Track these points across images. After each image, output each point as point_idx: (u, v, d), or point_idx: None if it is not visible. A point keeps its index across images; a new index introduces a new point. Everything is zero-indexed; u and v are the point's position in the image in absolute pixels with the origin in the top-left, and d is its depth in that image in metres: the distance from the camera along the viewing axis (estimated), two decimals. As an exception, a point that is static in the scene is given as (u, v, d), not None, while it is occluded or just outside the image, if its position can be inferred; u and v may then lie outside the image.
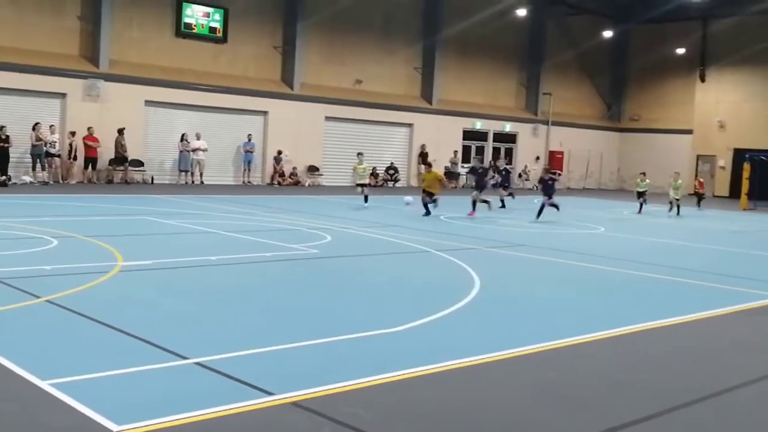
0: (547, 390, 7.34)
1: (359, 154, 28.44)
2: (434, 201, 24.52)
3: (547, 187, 25.69)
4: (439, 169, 27.05)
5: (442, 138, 43.16)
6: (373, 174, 28.01)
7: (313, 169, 38.27)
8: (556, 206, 25.31)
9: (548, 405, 6.95)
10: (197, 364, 7.32)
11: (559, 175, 26.53)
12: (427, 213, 24.20)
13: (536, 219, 24.61)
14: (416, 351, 8.29)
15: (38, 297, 9.67)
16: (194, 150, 33.66)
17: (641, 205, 30.96)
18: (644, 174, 32.31)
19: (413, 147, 42.37)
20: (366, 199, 26.32)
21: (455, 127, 44.64)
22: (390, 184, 40.41)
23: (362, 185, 26.72)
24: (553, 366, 8.15)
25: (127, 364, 7.14)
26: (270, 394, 6.58)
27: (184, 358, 7.47)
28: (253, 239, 16.74)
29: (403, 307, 10.65)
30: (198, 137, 33.58)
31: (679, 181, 31.04)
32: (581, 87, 52.26)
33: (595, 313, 11.27)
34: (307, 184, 37.41)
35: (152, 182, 32.76)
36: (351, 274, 13.69)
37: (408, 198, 25.64)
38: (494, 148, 47.14)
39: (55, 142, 29.93)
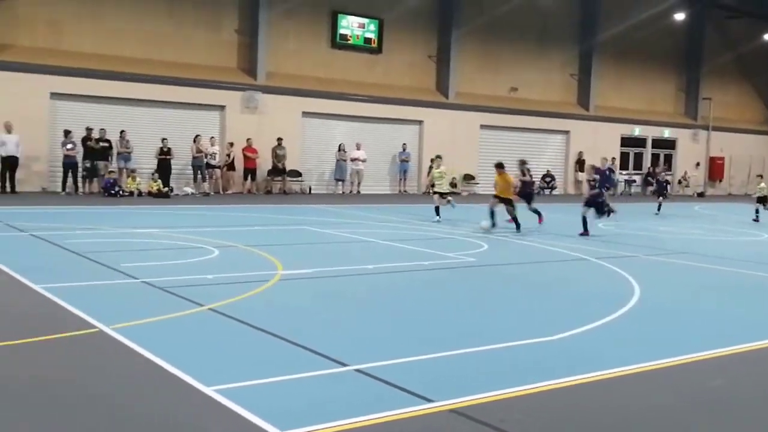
0: (712, 399, 6.82)
1: (437, 157, 22.73)
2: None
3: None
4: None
5: (600, 145, 39.44)
6: (452, 183, 22.01)
7: (468, 178, 35.69)
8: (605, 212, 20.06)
9: (712, 414, 6.47)
10: (357, 370, 6.99)
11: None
12: (493, 224, 19.20)
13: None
14: (574, 359, 7.74)
15: (201, 305, 9.35)
16: (353, 160, 31.69)
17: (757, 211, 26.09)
18: (761, 176, 28.08)
19: (570, 154, 39.11)
20: (437, 211, 21.12)
21: (613, 133, 40.98)
22: (546, 192, 37.33)
23: (440, 194, 21.41)
24: (718, 375, 7.53)
25: (288, 371, 6.86)
26: (429, 401, 6.25)
27: (344, 365, 7.14)
28: (410, 248, 15.87)
29: (560, 316, 9.89)
30: (358, 147, 31.58)
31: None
32: (741, 91, 47.57)
33: (760, 321, 10.17)
34: (462, 193, 34.87)
35: (310, 192, 30.95)
36: (507, 282, 12.80)
37: (484, 223, 19.15)
38: (653, 155, 43.43)
39: (215, 153, 28.55)
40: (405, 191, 33.50)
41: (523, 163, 22.01)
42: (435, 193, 21.53)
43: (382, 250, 15.56)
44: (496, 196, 19.67)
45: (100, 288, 10.37)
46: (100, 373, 6.71)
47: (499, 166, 20.12)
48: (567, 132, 39.32)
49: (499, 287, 12.28)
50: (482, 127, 36.14)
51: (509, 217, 19.53)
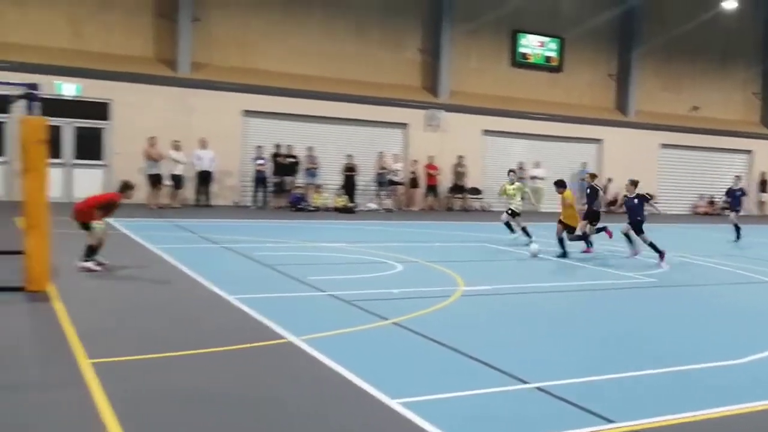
0: None
1: (511, 171, 20.07)
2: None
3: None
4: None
5: (785, 165, 36.12)
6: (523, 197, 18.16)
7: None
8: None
9: None
10: (538, 388, 6.59)
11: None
12: (564, 254, 15.65)
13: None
14: (761, 383, 7.08)
15: (386, 319, 9.02)
16: (532, 177, 29.81)
17: None
18: None
19: (753, 174, 35.64)
20: (510, 227, 18.52)
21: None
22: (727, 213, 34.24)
23: (513, 213, 18.44)
24: None
25: (470, 386, 6.56)
26: (610, 421, 5.79)
27: (525, 382, 6.75)
28: (587, 266, 14.96)
29: (747, 339, 9.00)
30: (537, 165, 29.67)
31: None
32: None
33: None
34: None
35: (490, 209, 29.30)
36: (691, 303, 11.79)
37: (534, 247, 15.97)
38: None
39: (399, 170, 27.34)
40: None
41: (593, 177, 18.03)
42: (511, 212, 18.32)
43: (560, 268, 14.60)
44: (560, 222, 16.05)
45: (288, 300, 10.19)
46: (291, 383, 6.56)
47: (560, 185, 16.32)
48: (749, 152, 35.94)
49: (681, 308, 11.24)
50: (662, 146, 33.42)
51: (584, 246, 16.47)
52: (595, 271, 14.26)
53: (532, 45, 30.92)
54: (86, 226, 11.58)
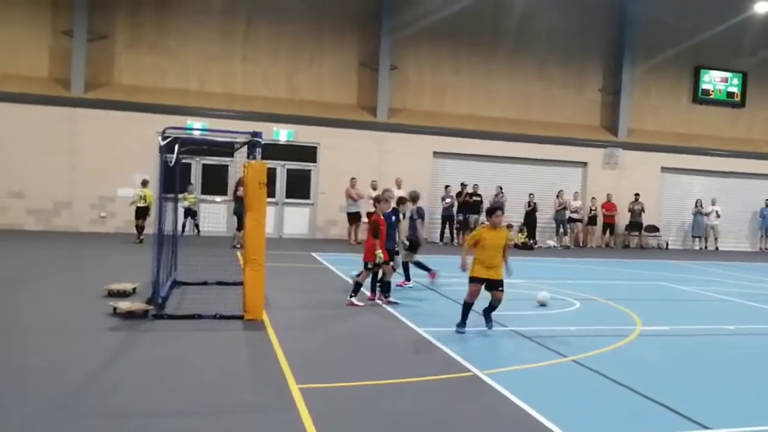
0: None
1: None
2: None
3: None
4: None
5: None
6: None
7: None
8: None
9: None
10: None
11: None
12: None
13: None
14: None
15: (565, 356, 9.03)
16: (707, 215, 28.74)
17: None
18: None
19: None
20: None
21: None
22: None
23: None
24: None
25: (650, 428, 6.51)
26: None
27: (706, 427, 6.49)
28: None
29: None
30: (713, 203, 28.57)
31: None
32: None
33: None
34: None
35: (667, 247, 28.42)
36: None
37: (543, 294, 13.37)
38: None
39: (578, 208, 27.20)
40: (766, 249, 29.68)
41: None
42: None
43: (741, 311, 13.88)
44: None
45: (472, 334, 10.25)
46: (475, 415, 6.75)
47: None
48: None
49: None
50: None
51: None
52: None
53: (714, 81, 29.84)
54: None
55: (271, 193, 24.08)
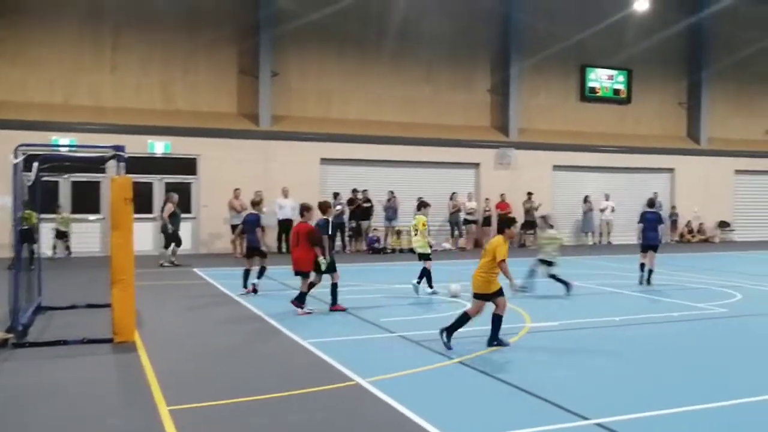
0: None
1: (541, 217, 17.84)
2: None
3: None
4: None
5: None
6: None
7: (723, 225, 32.61)
8: None
9: None
10: (597, 424, 6.65)
11: None
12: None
13: None
14: None
15: (451, 358, 9.30)
16: (602, 210, 29.85)
17: None
18: None
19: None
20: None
21: None
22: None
23: (544, 262, 15.61)
24: None
25: (530, 424, 6.67)
26: None
27: (585, 418, 6.81)
28: (660, 299, 14.92)
29: None
30: (606, 198, 29.68)
31: None
32: None
33: None
34: (717, 240, 31.88)
35: (563, 244, 29.30)
36: (762, 333, 11.63)
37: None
38: None
39: (473, 209, 27.76)
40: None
41: None
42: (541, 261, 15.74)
43: (631, 302, 14.55)
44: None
45: (360, 342, 10.59)
46: (355, 424, 6.85)
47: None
48: (829, 172, 35.05)
49: (750, 339, 11.07)
50: (737, 172, 32.87)
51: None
52: (666, 303, 14.23)
53: (601, 78, 31.05)
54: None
55: (148, 209, 23.74)
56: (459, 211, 27.38)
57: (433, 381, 8.35)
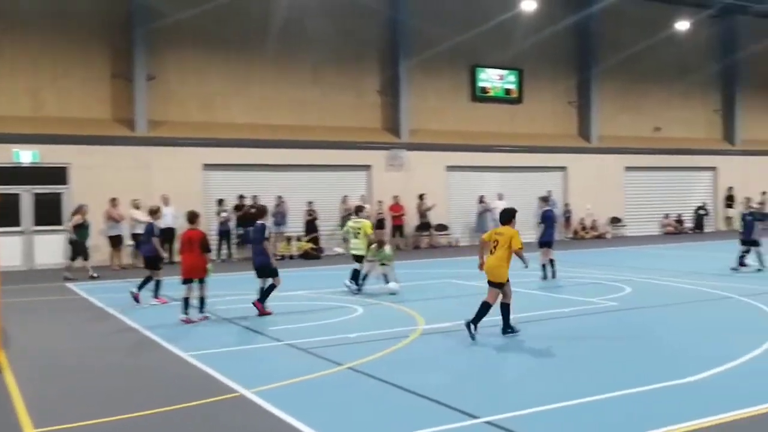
0: None
1: (356, 210, 18.27)
2: None
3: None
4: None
5: (751, 179, 36.77)
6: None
7: (615, 221, 33.69)
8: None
9: None
10: (487, 422, 6.82)
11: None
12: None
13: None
14: (711, 400, 7.47)
15: (341, 365, 9.31)
16: (491, 210, 30.32)
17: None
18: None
19: (719, 191, 36.39)
20: (357, 278, 16.39)
21: (763, 167, 37.72)
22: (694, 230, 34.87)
23: (356, 257, 16.71)
24: None
25: (420, 426, 6.72)
26: None
27: (475, 417, 6.97)
28: (553, 295, 15.61)
29: (699, 357, 9.62)
30: (500, 197, 30.16)
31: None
32: None
33: None
34: (609, 236, 32.91)
35: (457, 245, 29.68)
36: (648, 324, 12.22)
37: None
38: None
39: (367, 213, 27.65)
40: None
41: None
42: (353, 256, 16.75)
43: (525, 299, 14.66)
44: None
45: (245, 352, 10.55)
46: None
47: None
48: (714, 168, 36.72)
49: (639, 331, 11.69)
50: (627, 168, 34.11)
51: None
52: (558, 299, 14.74)
53: (492, 78, 31.60)
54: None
55: (15, 222, 22.68)
56: (350, 214, 27.24)
57: (322, 389, 8.35)
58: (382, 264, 16.19)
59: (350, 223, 17.19)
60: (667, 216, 35.18)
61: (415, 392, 7.90)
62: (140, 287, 14.99)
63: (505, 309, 10.95)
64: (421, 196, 28.72)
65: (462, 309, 13.71)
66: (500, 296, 10.93)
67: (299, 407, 7.41)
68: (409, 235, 29.15)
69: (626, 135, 34.43)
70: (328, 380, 8.65)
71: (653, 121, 35.39)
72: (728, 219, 36.17)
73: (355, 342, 10.74)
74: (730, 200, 36.22)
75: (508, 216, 11.32)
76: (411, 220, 29.02)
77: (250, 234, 14.05)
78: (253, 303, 13.46)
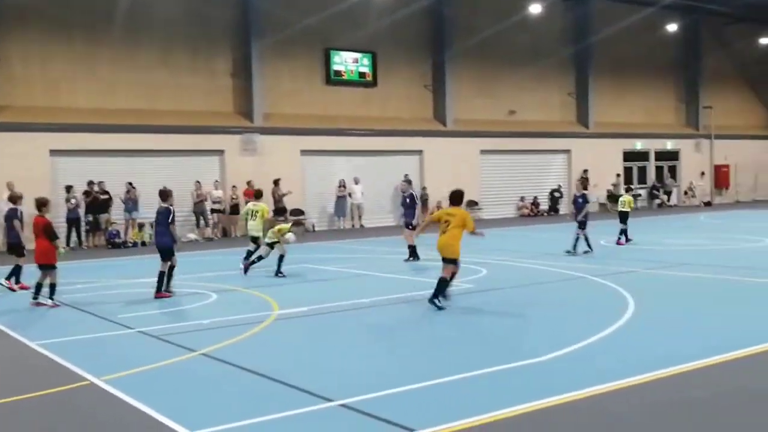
0: (692, 410, 6.91)
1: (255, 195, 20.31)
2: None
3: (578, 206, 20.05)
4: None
5: (602, 161, 39.57)
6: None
7: (471, 204, 35.54)
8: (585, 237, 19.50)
9: (692, 426, 6.52)
10: (342, 405, 7.10)
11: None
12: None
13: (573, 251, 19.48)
14: (561, 379, 7.82)
15: (193, 351, 9.49)
16: (350, 194, 31.72)
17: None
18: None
19: (573, 173, 38.73)
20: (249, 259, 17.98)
21: (615, 149, 40.96)
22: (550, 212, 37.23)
23: (253, 239, 18.39)
24: (699, 385, 7.66)
25: (273, 410, 6.99)
26: (411, 430, 6.32)
27: (329, 400, 7.25)
28: (410, 278, 16.11)
29: (550, 337, 10.03)
30: (356, 182, 31.57)
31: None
32: (742, 97, 47.41)
33: (750, 328, 10.30)
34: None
35: (314, 230, 30.91)
36: (502, 306, 12.90)
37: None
38: (657, 167, 43.26)
39: (220, 198, 28.71)
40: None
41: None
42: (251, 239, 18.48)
43: (380, 284, 15.62)
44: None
45: (95, 341, 10.64)
46: (87, 425, 6.97)
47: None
48: (568, 151, 39.25)
49: (492, 312, 12.25)
50: (482, 152, 36.15)
51: None
52: (415, 282, 15.32)
53: (346, 62, 32.92)
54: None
55: None
56: (204, 200, 28.09)
57: (174, 375, 8.61)
58: (268, 245, 17.35)
59: (249, 206, 19.05)
60: (522, 199, 37.41)
61: (270, 377, 8.17)
62: (8, 277, 15.72)
63: (444, 283, 12.19)
64: (276, 182, 29.78)
65: (317, 294, 14.30)
66: (454, 269, 12.34)
67: (151, 394, 7.61)
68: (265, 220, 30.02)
69: (482, 118, 36.40)
70: (181, 366, 8.88)
71: (508, 105, 37.53)
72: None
73: (209, 328, 11.03)
74: (584, 182, 38.70)
75: (459, 198, 12.67)
76: (268, 206, 29.82)
77: (155, 216, 14.69)
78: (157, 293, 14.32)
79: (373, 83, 33.60)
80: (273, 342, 10.34)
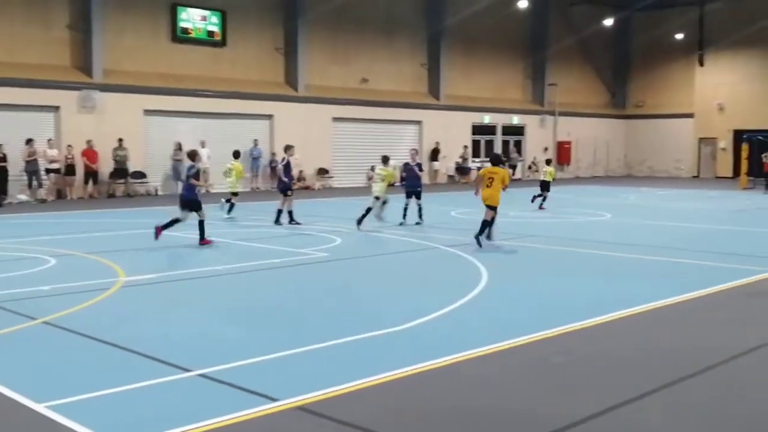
0: (552, 374, 7.17)
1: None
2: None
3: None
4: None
5: (452, 134, 39.81)
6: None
7: (322, 172, 35.00)
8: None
9: (552, 388, 6.73)
10: (201, 375, 6.89)
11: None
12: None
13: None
14: (417, 348, 7.92)
15: (34, 319, 8.99)
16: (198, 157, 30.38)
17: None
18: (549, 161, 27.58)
19: (424, 144, 38.71)
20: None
21: (464, 122, 41.24)
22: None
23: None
24: (557, 351, 7.90)
25: (127, 381, 6.66)
26: (274, 400, 6.24)
27: (187, 370, 7.01)
28: (262, 246, 15.88)
29: (406, 306, 10.00)
30: (203, 145, 30.17)
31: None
32: (585, 76, 48.94)
33: (599, 297, 10.86)
34: (317, 188, 34.14)
35: (156, 194, 29.48)
36: (356, 275, 13.02)
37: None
38: (504, 142, 43.94)
39: (54, 157, 26.73)
40: (257, 188, 32.52)
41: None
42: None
43: (233, 250, 15.38)
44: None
45: None
46: None
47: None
48: (420, 122, 39.21)
49: (347, 281, 12.27)
50: (335, 119, 35.59)
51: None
52: (268, 250, 15.02)
53: (193, 19, 31.46)
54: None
55: None
56: (36, 159, 26.13)
57: (15, 345, 8.09)
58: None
59: (228, 165, 22.00)
60: (373, 168, 36.97)
61: (122, 346, 7.82)
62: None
63: (487, 224, 15.27)
64: (119, 142, 28.20)
65: (166, 260, 14.15)
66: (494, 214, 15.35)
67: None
68: (103, 182, 28.51)
69: (334, 86, 35.80)
70: (22, 335, 8.38)
71: (361, 73, 37.05)
72: (435, 172, 38.81)
73: (50, 295, 10.47)
74: (435, 154, 38.85)
75: (498, 159, 16.58)
76: (106, 167, 28.37)
77: (183, 172, 15.91)
78: (156, 228, 15.19)
79: (222, 43, 32.28)
80: (121, 310, 9.80)
